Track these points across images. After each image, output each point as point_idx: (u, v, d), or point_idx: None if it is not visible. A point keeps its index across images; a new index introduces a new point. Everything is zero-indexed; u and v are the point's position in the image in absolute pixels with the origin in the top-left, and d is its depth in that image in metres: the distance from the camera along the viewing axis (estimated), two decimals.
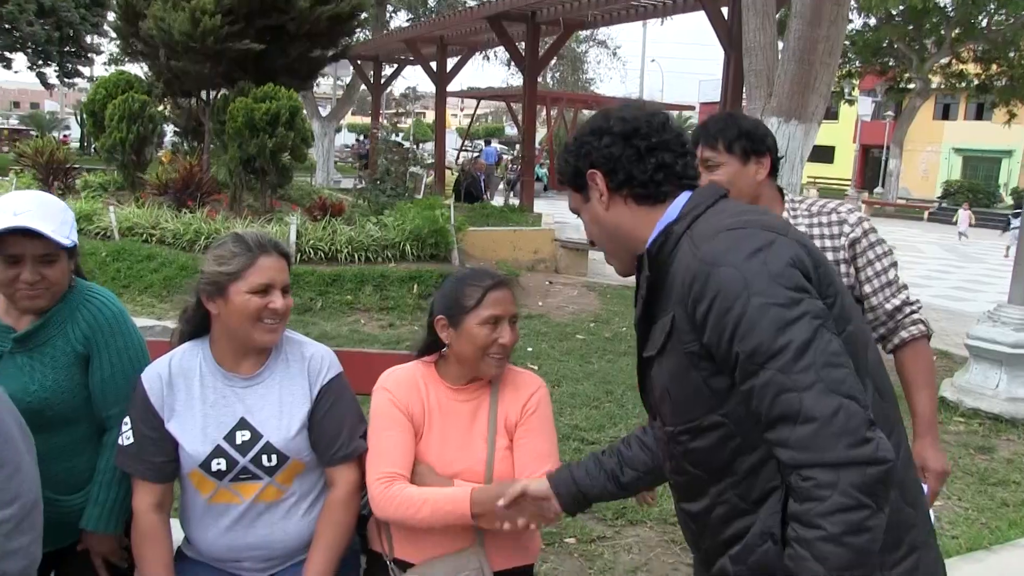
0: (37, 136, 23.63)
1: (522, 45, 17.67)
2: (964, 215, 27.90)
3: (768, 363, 1.51)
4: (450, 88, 22.82)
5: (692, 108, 38.13)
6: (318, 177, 24.42)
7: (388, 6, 28.45)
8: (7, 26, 30.91)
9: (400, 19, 31.20)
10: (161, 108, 14.48)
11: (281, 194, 13.42)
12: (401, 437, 2.44)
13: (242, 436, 2.35)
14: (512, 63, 36.26)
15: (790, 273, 1.56)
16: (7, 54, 33.98)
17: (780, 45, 8.12)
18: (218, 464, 2.34)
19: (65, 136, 34.84)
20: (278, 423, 2.38)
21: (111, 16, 30.24)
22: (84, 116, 16.19)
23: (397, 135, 15.66)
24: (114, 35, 31.29)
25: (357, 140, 42.08)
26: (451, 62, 21.93)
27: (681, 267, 1.68)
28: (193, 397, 2.37)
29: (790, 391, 1.49)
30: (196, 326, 2.46)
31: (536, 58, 17.44)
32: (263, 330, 2.33)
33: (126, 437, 2.35)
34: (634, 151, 1.78)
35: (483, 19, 17.08)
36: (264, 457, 2.36)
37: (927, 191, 45.39)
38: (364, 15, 16.20)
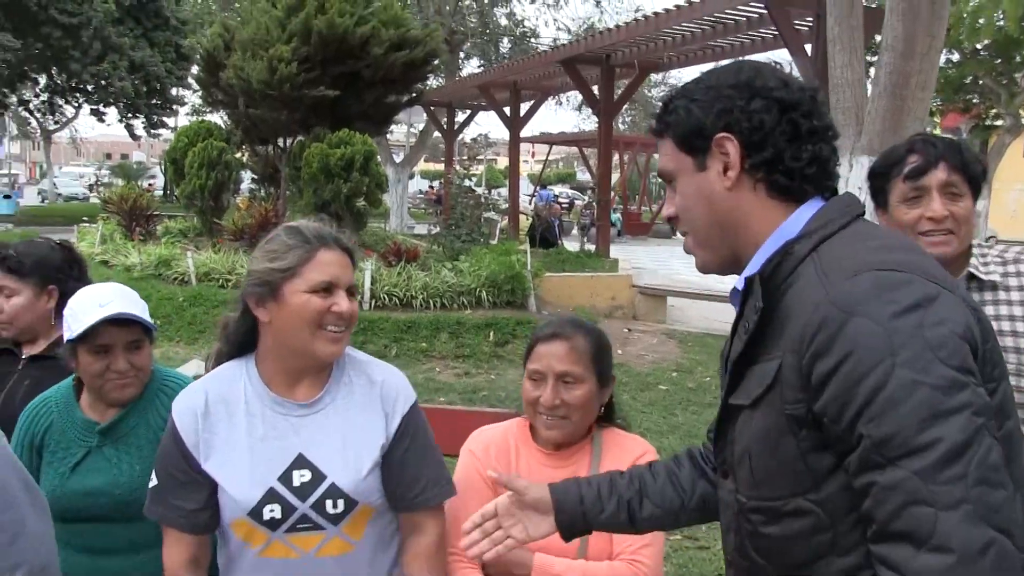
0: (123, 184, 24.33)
1: (596, 88, 17.52)
2: None
3: (903, 460, 1.16)
4: (523, 133, 22.78)
5: None
6: (392, 223, 24.52)
7: (461, 53, 28.74)
8: (102, 82, 32.32)
9: (472, 65, 31.51)
10: (239, 155, 14.67)
11: (356, 239, 13.39)
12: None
13: (301, 477, 1.94)
14: (584, 107, 36.34)
15: (956, 346, 1.19)
16: (101, 108, 35.69)
17: (868, 81, 7.75)
18: (271, 511, 1.92)
19: (150, 185, 35.93)
20: (344, 460, 1.96)
21: (194, 69, 31.41)
22: (167, 164, 16.57)
23: (470, 180, 15.58)
24: (197, 87, 32.55)
25: (430, 186, 42.50)
26: (524, 107, 21.91)
27: (800, 302, 1.31)
28: (237, 430, 1.97)
29: (925, 504, 1.14)
30: (240, 343, 2.06)
31: (611, 101, 17.24)
32: (326, 339, 1.91)
33: (152, 479, 2.02)
34: (792, 128, 1.40)
35: (557, 63, 16.98)
36: (329, 503, 1.94)
37: (1016, 231, 43.79)
38: (438, 61, 16.26)
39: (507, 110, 21.36)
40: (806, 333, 1.27)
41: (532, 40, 29.81)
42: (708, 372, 9.64)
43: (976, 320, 1.26)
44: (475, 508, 2.04)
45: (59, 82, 35.14)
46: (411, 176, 29.49)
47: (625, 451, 2.24)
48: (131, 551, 2.21)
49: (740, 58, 1.57)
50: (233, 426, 1.98)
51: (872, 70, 7.46)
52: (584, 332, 2.22)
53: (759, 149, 1.40)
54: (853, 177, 7.52)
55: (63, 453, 2.25)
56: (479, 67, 29.84)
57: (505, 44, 30.58)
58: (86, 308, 2.14)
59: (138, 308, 2.20)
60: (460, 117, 26.32)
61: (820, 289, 1.28)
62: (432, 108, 24.49)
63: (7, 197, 30.86)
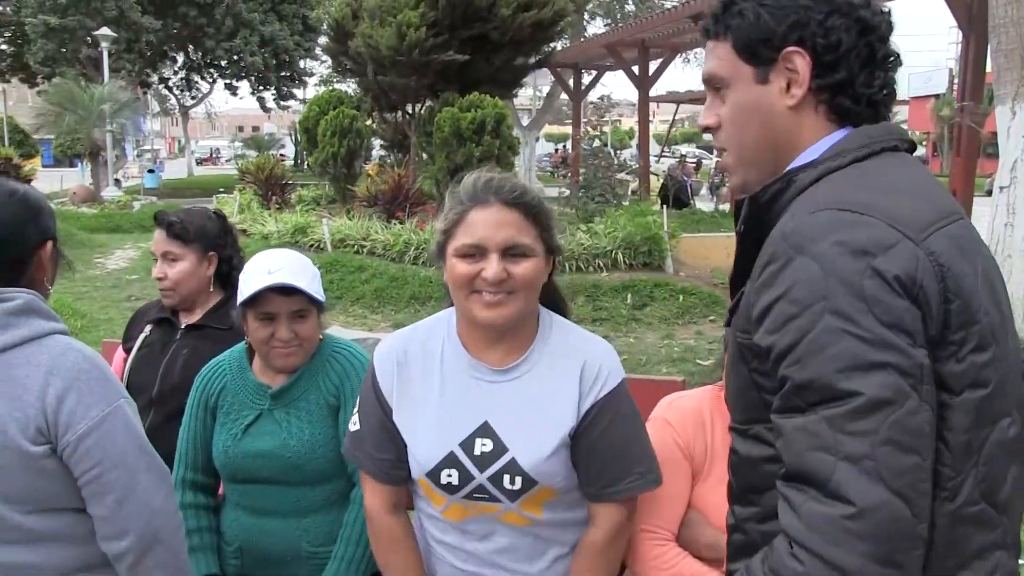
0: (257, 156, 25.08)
1: None
2: None
3: (819, 407, 1.13)
4: (651, 93, 22.21)
5: (903, 103, 35.58)
6: None
7: (585, 13, 28.24)
8: (235, 57, 33.55)
9: (596, 25, 30.94)
10: (369, 122, 14.77)
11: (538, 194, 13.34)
12: (681, 487, 1.98)
13: (483, 446, 1.81)
14: None
15: (892, 303, 1.13)
16: (234, 83, 37.38)
17: None
18: (448, 476, 1.82)
19: (281, 155, 37.00)
20: (528, 436, 1.81)
21: (322, 40, 32.06)
22: (298, 135, 16.91)
23: (600, 142, 15.27)
24: (325, 58, 33.23)
25: (556, 149, 42.19)
26: (652, 66, 21.35)
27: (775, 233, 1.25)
28: (429, 386, 1.87)
29: (827, 452, 1.12)
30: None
31: None
32: (480, 304, 1.75)
33: (354, 423, 1.97)
34: (868, 51, 1.30)
35: (687, 18, 16.38)
36: (507, 477, 1.80)
37: None
38: (567, 20, 15.92)
39: (635, 69, 20.86)
40: (760, 264, 1.24)
41: None
42: None
43: (938, 278, 1.17)
44: (672, 482, 1.94)
45: (195, 59, 36.61)
46: (536, 139, 29.36)
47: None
48: (298, 514, 2.23)
49: None
50: (426, 382, 1.88)
51: None
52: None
53: (832, 70, 1.30)
54: (1016, 125, 6.85)
55: (236, 415, 2.27)
56: (605, 26, 29.29)
57: (630, 2, 29.92)
58: (256, 274, 2.15)
59: (306, 279, 2.17)
60: (586, 79, 25.89)
61: (787, 221, 1.23)
62: (558, 70, 24.17)
63: (151, 171, 32.27)
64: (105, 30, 25.73)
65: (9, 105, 41.69)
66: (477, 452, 1.81)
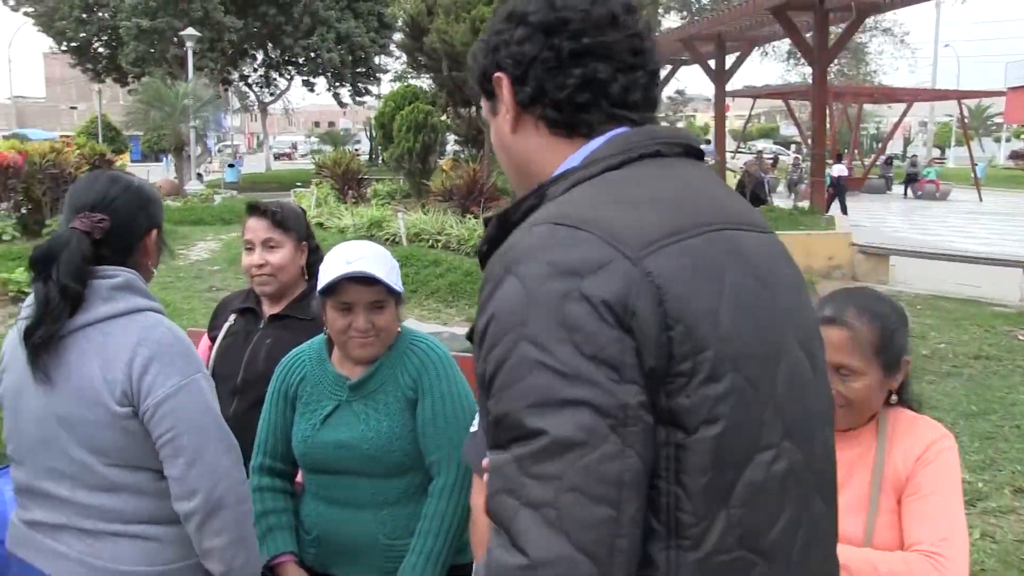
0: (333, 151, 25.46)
1: (808, 36, 16.53)
2: None
3: (512, 444, 1.00)
4: (727, 87, 21.91)
5: (1000, 94, 34.38)
6: None
7: (660, 7, 27.98)
8: (312, 55, 34.21)
9: (670, 20, 30.62)
10: (444, 118, 14.91)
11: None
12: None
13: None
14: (792, 57, 34.64)
15: (596, 330, 0.98)
16: (311, 79, 38.04)
17: None
18: None
19: (356, 150, 37.57)
20: None
21: (396, 36, 32.43)
22: (373, 130, 17.13)
23: None
24: (399, 54, 33.61)
25: None
26: (729, 60, 21.07)
27: None
28: None
29: (512, 496, 0.99)
30: None
31: (825, 49, 16.23)
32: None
33: (474, 424, 1.95)
34: (554, 54, 1.19)
35: (767, 11, 16.13)
36: None
37: None
38: (643, 14, 15.82)
39: (712, 63, 20.62)
40: (482, 284, 1.10)
41: None
42: (943, 337, 8.86)
43: (657, 301, 1.00)
44: None
45: (274, 57, 37.39)
46: None
47: (917, 437, 1.92)
48: (374, 506, 2.24)
49: None
50: None
51: None
52: (869, 318, 1.86)
53: (523, 83, 1.21)
54: None
55: (315, 405, 2.30)
56: (681, 20, 28.99)
57: None
58: (335, 263, 2.19)
59: (384, 270, 2.20)
60: (660, 73, 25.72)
61: (510, 237, 1.10)
62: None
63: (231, 166, 33.03)
64: (190, 30, 26.54)
65: (103, 104, 43.13)
66: None
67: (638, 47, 1.21)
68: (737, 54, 21.46)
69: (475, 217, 11.68)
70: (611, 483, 0.96)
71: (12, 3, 33.46)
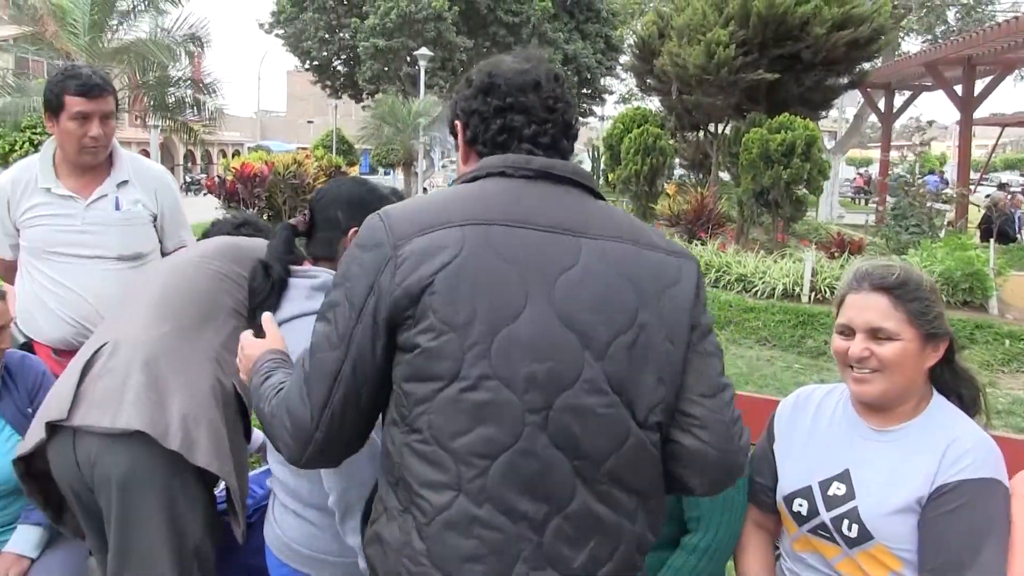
0: None
1: None
2: None
3: None
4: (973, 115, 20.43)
5: None
6: (822, 212, 23.43)
7: (900, 32, 26.56)
8: None
9: (910, 42, 29.03)
10: (672, 141, 14.82)
11: (788, 229, 12.92)
12: None
13: (837, 488, 1.97)
14: None
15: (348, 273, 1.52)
16: None
17: None
18: (799, 505, 2.02)
19: None
20: (876, 492, 1.91)
21: (624, 58, 32.61)
22: (598, 151, 17.26)
23: (908, 168, 14.28)
24: (624, 76, 33.78)
25: (858, 173, 40.03)
26: (979, 85, 19.64)
27: None
28: (815, 430, 2.10)
29: None
30: None
31: None
32: (852, 379, 1.96)
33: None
34: (486, 108, 1.64)
35: None
36: (846, 522, 1.92)
37: None
38: (885, 38, 15.08)
39: (958, 89, 19.31)
40: None
41: (987, 7, 26.74)
42: None
43: (391, 288, 1.44)
44: None
45: None
46: (840, 163, 28.01)
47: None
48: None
49: None
50: (813, 424, 2.11)
51: None
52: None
53: (467, 128, 1.67)
54: None
55: None
56: (922, 43, 27.43)
57: (953, 15, 27.78)
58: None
59: None
60: (897, 100, 24.36)
61: None
62: (868, 90, 22.95)
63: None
64: (424, 50, 27.85)
65: (337, 118, 46.07)
66: (830, 493, 1.97)
67: (552, 106, 1.63)
68: (989, 79, 19.99)
69: (702, 243, 11.50)
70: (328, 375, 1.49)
71: (266, 26, 36.42)
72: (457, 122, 1.69)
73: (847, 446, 2.00)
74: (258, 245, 2.49)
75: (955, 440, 1.88)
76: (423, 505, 1.42)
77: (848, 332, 1.94)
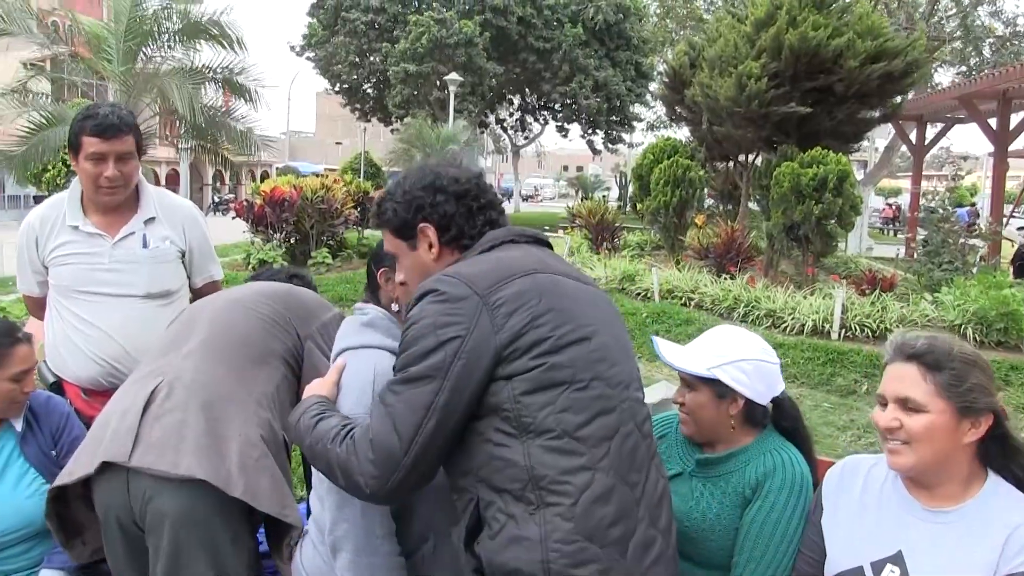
0: (586, 198, 25.76)
1: None
2: None
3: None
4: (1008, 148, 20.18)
5: None
6: (851, 244, 23.19)
7: (933, 64, 26.36)
8: (568, 101, 35.19)
9: (943, 74, 28.81)
10: (702, 172, 14.73)
11: (817, 263, 12.77)
12: None
13: (891, 571, 1.90)
14: None
15: (428, 345, 1.79)
16: (566, 125, 38.99)
17: None
18: None
19: (604, 197, 38.02)
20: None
21: (653, 86, 32.64)
22: (626, 178, 17.20)
23: (939, 201, 14.07)
24: (653, 104, 33.79)
25: (888, 204, 39.67)
26: (1015, 119, 19.42)
27: None
28: (864, 506, 2.02)
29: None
30: None
31: None
32: (887, 450, 1.93)
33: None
34: (466, 210, 1.99)
35: None
36: None
37: None
38: (920, 71, 14.94)
39: (992, 122, 19.10)
40: None
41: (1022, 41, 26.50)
42: None
43: (494, 329, 1.76)
44: None
45: (530, 102, 38.76)
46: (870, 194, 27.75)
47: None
48: None
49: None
50: (862, 500, 2.04)
51: None
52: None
53: (447, 230, 1.99)
54: None
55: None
56: (956, 75, 27.22)
57: (988, 48, 27.54)
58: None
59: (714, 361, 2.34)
60: (929, 132, 24.14)
61: None
62: (900, 122, 22.77)
63: None
64: (454, 75, 28.00)
65: (365, 141, 46.37)
66: (884, 575, 1.90)
67: (499, 199, 2.09)
68: None
69: (731, 277, 11.37)
70: (370, 445, 1.78)
71: (297, 49, 36.80)
72: (426, 226, 1.98)
73: (899, 525, 1.94)
74: (310, 296, 2.70)
75: (1019, 527, 1.81)
76: (566, 489, 1.72)
77: (883, 402, 1.92)
